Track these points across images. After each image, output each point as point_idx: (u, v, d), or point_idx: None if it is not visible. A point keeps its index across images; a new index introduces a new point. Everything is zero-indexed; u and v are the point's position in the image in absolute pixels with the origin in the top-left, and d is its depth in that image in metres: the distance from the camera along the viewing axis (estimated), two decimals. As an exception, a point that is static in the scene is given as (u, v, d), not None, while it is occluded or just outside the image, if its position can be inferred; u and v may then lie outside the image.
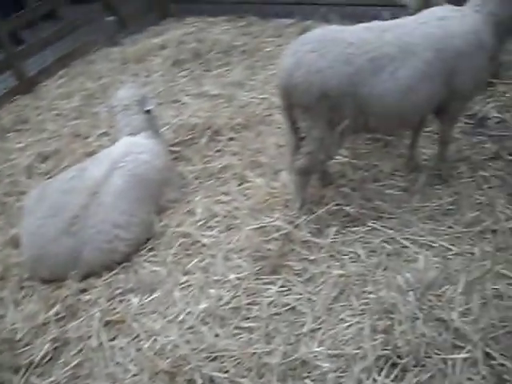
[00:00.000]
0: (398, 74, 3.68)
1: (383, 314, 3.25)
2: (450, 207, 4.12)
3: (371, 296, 3.42)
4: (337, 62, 3.59)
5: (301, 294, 3.58)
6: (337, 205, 4.15)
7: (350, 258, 3.78)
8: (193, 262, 3.98)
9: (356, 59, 3.62)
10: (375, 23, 3.90)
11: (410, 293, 3.33)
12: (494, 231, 3.85)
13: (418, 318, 3.18)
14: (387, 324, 3.17)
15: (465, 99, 4.12)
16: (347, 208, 4.13)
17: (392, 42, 3.70)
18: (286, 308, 3.52)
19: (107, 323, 3.72)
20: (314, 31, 3.90)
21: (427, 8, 4.20)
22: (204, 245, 4.12)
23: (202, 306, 3.62)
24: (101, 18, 8.85)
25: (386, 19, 4.13)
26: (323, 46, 3.63)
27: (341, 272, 3.64)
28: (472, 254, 3.67)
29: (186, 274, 3.93)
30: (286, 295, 3.61)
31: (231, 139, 5.33)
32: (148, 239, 4.31)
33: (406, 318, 3.18)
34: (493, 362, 2.97)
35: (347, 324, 3.32)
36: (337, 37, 3.69)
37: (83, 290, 4.00)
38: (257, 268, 3.79)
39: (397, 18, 4.09)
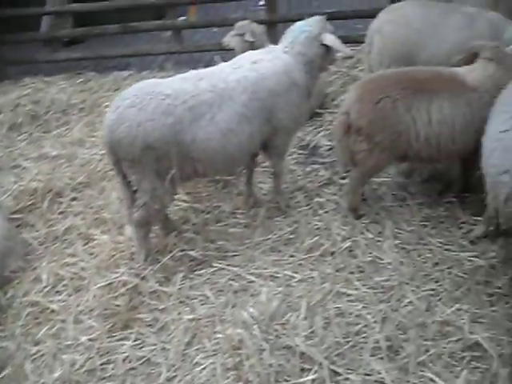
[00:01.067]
0: (217, 118, 3.86)
1: (232, 351, 3.32)
2: (291, 236, 4.34)
3: (220, 335, 3.49)
4: (156, 114, 3.71)
5: (155, 345, 3.58)
6: (181, 250, 4.22)
7: (200, 300, 3.85)
8: (43, 331, 3.84)
9: (175, 109, 3.75)
10: (191, 73, 4.08)
11: (255, 326, 3.44)
12: (332, 253, 4.10)
13: (264, 350, 3.28)
14: (236, 360, 3.25)
15: (287, 134, 4.37)
16: (192, 252, 4.21)
17: (208, 89, 3.88)
18: (141, 361, 3.50)
19: (-50, 416, 3.51)
20: (133, 86, 4.01)
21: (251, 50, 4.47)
22: (53, 311, 4.00)
23: (56, 374, 3.50)
24: None
25: (219, 63, 4.35)
26: (141, 99, 3.73)
27: (191, 316, 3.69)
28: (313, 278, 3.86)
29: (36, 344, 3.78)
30: (141, 348, 3.59)
31: (74, 199, 5.25)
32: (-6, 314, 4.13)
33: (253, 351, 3.26)
34: (339, 378, 3.14)
35: (202, 367, 3.35)
36: (154, 90, 3.80)
37: None
38: (108, 326, 3.74)
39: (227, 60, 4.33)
